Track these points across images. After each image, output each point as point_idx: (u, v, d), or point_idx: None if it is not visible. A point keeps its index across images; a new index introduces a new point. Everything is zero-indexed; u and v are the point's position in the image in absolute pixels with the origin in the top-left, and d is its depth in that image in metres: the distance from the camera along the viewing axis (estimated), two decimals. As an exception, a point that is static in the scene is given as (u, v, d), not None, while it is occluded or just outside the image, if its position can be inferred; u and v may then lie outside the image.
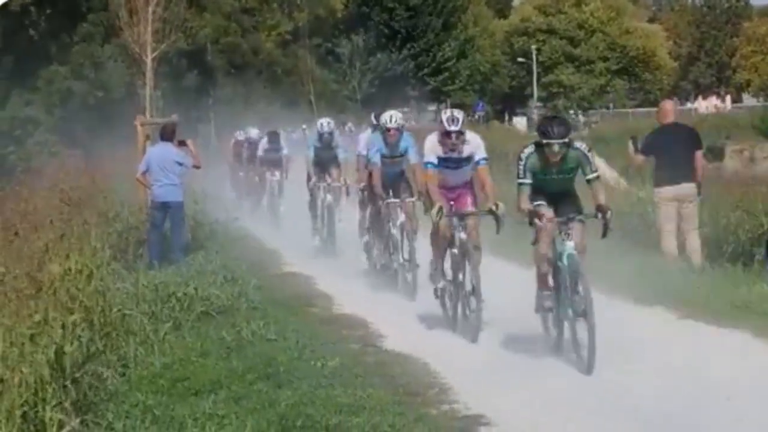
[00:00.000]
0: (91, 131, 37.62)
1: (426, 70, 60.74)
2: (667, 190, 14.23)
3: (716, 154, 45.27)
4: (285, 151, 24.56)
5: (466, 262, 11.18)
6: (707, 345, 9.99)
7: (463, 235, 11.29)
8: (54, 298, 8.73)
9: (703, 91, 71.07)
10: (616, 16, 67.12)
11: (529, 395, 8.56)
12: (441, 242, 11.65)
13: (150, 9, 37.87)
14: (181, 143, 16.95)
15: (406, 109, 60.19)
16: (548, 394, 8.56)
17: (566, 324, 9.74)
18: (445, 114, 11.51)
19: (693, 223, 14.31)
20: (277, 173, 24.33)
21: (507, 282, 11.85)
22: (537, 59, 64.97)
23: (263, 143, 24.79)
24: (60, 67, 45.50)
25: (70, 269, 9.95)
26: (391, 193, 14.36)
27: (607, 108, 65.86)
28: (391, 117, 14.24)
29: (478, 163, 11.49)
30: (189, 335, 10.69)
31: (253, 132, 27.16)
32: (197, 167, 17.05)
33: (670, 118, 14.75)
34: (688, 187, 14.29)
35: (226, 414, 7.93)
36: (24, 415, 6.79)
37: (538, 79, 65.23)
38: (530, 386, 8.80)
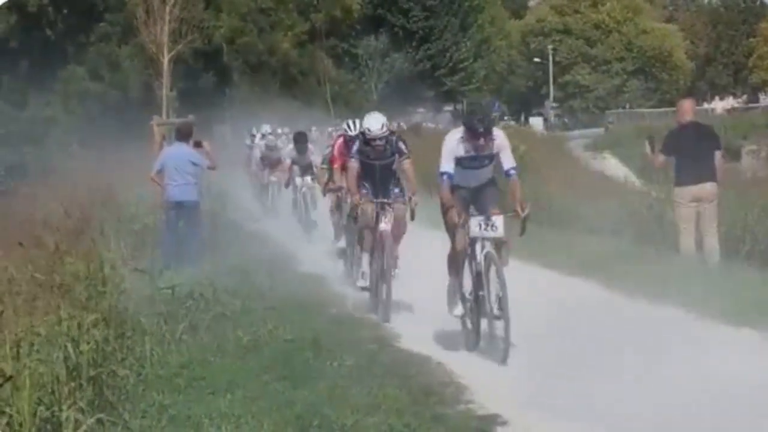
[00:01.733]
0: (109, 131, 37.70)
1: (442, 71, 60.66)
2: (689, 190, 14.17)
3: (733, 154, 45.11)
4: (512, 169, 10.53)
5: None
6: (724, 345, 9.94)
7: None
8: (70, 298, 8.74)
9: (720, 92, 70.85)
10: (633, 16, 66.88)
11: (547, 398, 8.55)
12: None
13: (167, 9, 37.98)
14: (198, 144, 16.96)
15: (421, 110, 60.19)
16: (569, 396, 8.53)
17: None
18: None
19: (712, 223, 14.26)
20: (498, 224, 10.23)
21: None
22: (553, 59, 64.83)
23: (453, 143, 10.37)
24: (77, 67, 45.62)
25: (79, 274, 9.95)
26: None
27: (624, 108, 65.69)
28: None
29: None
30: (205, 335, 10.70)
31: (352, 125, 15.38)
32: (212, 168, 17.05)
33: (688, 117, 14.70)
34: (709, 186, 14.23)
35: (243, 414, 7.93)
36: (40, 414, 6.79)
37: (555, 80, 65.04)
38: (549, 387, 8.78)
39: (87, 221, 14.88)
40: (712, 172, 14.25)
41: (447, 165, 10.25)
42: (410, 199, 12.74)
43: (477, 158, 10.34)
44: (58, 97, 45.07)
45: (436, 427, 7.80)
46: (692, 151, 14.18)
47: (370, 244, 12.87)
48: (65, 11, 46.21)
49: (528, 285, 11.42)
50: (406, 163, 13.04)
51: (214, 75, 48.03)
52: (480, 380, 9.21)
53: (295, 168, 20.80)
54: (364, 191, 12.93)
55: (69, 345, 7.57)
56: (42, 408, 6.91)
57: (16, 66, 44.46)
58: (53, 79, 45.05)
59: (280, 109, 41.01)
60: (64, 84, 45.34)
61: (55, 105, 44.89)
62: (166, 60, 38.10)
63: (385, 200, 12.92)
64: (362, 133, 13.14)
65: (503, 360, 9.82)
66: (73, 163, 32.24)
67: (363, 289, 13.14)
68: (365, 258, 13.05)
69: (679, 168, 14.36)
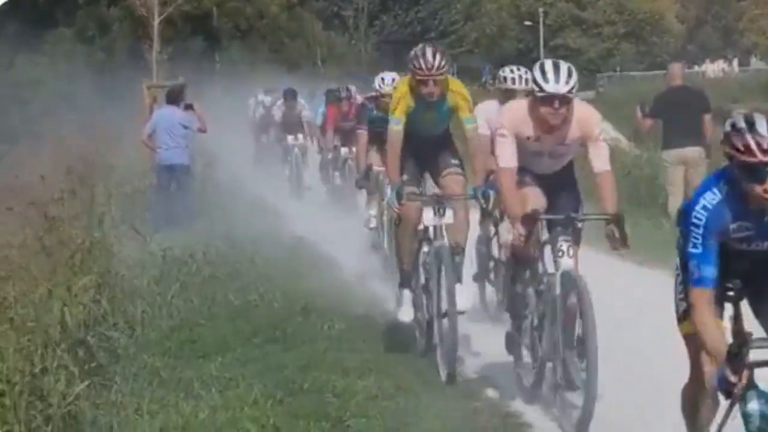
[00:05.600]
0: (97, 94, 37.56)
1: (432, 34, 60.45)
2: (675, 153, 14.24)
3: (724, 117, 45.01)
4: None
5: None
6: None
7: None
8: (62, 262, 8.73)
9: (711, 55, 70.76)
10: (623, -21, 66.66)
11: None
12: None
13: (157, -29, 37.83)
14: (188, 107, 16.93)
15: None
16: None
17: None
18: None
19: (700, 187, 14.30)
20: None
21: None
22: (544, 22, 64.65)
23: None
24: (65, 29, 45.39)
25: (71, 238, 9.92)
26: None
27: (614, 71, 65.61)
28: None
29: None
30: (196, 298, 10.69)
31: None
32: (203, 131, 17.02)
33: (677, 81, 14.72)
34: (694, 150, 14.27)
35: (233, 377, 7.95)
36: (31, 378, 6.79)
37: (545, 43, 64.89)
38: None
39: (77, 184, 14.83)
40: (699, 135, 14.27)
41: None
42: None
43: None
44: (46, 59, 44.84)
45: (427, 390, 7.83)
46: (679, 114, 14.21)
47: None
48: (55, -28, 45.90)
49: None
50: None
51: (203, 39, 47.81)
52: (472, 343, 9.24)
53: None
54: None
55: (61, 308, 7.57)
56: (33, 371, 6.88)
57: (3, 27, 44.20)
58: (41, 41, 44.80)
59: (269, 72, 40.93)
60: (52, 46, 45.10)
61: (42, 67, 44.65)
62: (156, 23, 37.90)
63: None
64: None
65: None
66: (61, 126, 32.10)
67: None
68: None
69: (666, 130, 14.43)
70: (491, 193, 8.52)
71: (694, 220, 5.21)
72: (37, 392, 6.65)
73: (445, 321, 8.36)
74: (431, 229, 8.61)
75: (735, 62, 68.86)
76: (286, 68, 46.00)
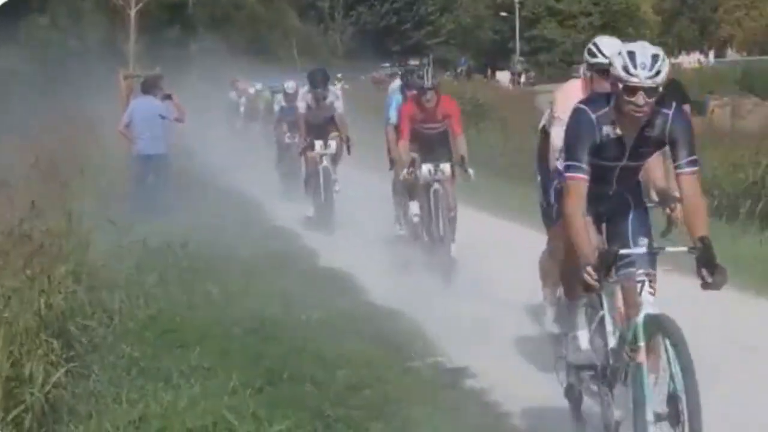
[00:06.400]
0: (72, 84, 37.39)
1: (408, 25, 60.47)
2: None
3: (699, 108, 45.17)
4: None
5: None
6: (691, 300, 9.98)
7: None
8: (40, 252, 8.68)
9: (687, 46, 70.97)
10: (599, -30, 66.81)
11: (510, 349, 8.60)
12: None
13: (133, -40, 37.74)
14: (167, 97, 16.91)
15: (386, 64, 59.99)
16: (525, 345, 8.57)
17: None
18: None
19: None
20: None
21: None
22: (520, 13, 64.72)
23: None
24: (39, 17, 45.19)
25: (48, 228, 9.86)
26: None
27: (590, 63, 65.68)
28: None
29: None
30: (175, 289, 10.65)
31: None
32: (180, 121, 16.98)
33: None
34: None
35: (212, 366, 7.92)
36: (10, 367, 6.75)
37: (521, 34, 64.95)
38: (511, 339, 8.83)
39: (53, 175, 14.75)
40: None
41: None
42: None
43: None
44: (20, 49, 44.62)
45: (407, 380, 7.83)
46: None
47: None
48: (29, -39, 45.68)
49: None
50: None
51: (179, 28, 47.70)
52: (450, 334, 9.24)
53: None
54: None
55: (40, 298, 7.53)
56: (11, 360, 6.85)
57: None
58: (15, 30, 44.56)
59: (246, 62, 40.89)
60: (26, 35, 44.88)
61: (16, 56, 44.43)
62: (133, 12, 37.78)
63: None
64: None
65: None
66: (35, 116, 31.97)
67: None
68: None
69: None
70: None
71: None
72: (17, 379, 6.62)
73: None
74: None
75: (711, 54, 69.17)
76: (263, 59, 45.95)
